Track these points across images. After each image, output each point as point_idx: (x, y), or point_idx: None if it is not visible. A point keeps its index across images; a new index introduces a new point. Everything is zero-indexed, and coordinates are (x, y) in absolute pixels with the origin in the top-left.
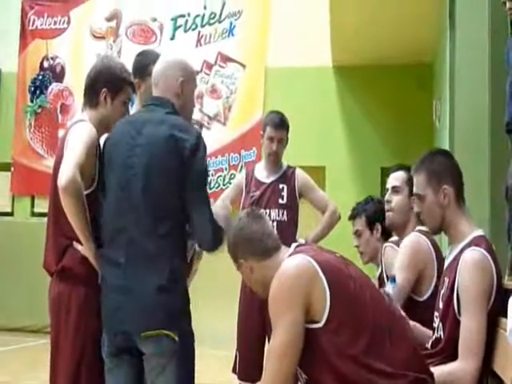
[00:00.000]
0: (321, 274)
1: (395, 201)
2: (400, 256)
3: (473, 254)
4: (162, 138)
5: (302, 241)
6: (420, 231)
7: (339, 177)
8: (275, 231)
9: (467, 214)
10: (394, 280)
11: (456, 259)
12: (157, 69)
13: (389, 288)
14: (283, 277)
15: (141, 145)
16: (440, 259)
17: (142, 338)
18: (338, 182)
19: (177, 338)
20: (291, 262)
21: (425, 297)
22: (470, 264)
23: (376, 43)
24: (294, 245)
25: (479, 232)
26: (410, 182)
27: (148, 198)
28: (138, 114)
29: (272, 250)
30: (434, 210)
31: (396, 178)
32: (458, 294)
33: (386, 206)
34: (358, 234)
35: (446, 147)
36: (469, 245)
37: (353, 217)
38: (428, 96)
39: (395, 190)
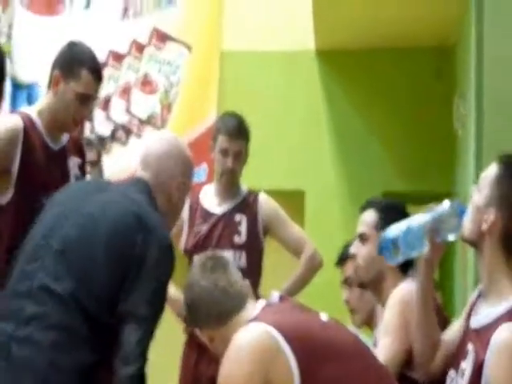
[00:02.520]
0: (286, 349)
1: (361, 254)
2: (387, 317)
3: (510, 335)
4: (119, 211)
5: (275, 295)
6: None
7: (324, 206)
8: (240, 280)
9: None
10: None
11: (489, 329)
12: (152, 152)
13: None
14: (233, 357)
15: (89, 208)
16: (442, 318)
17: None
18: (323, 213)
19: None
20: (244, 337)
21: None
22: (504, 349)
23: (377, 18)
24: (260, 303)
25: None
26: (380, 223)
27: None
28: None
29: (231, 313)
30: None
31: (362, 222)
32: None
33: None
34: (362, 238)
35: (472, 161)
36: (508, 316)
37: (341, 261)
38: (447, 92)
39: (361, 238)
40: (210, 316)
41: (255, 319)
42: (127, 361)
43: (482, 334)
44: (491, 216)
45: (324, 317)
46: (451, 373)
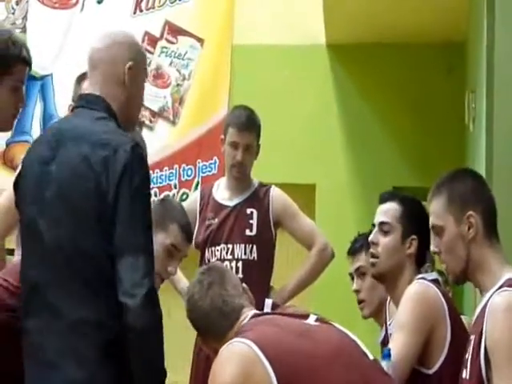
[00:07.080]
0: (266, 363)
1: (383, 243)
2: (400, 312)
3: (504, 297)
4: (76, 164)
5: (268, 302)
6: (425, 279)
7: (334, 199)
8: (236, 284)
9: (501, 253)
10: (388, 355)
11: (483, 310)
12: (98, 46)
13: (383, 365)
14: (217, 368)
15: (52, 175)
16: (455, 317)
17: None
18: (333, 206)
19: None
20: (226, 351)
21: (434, 368)
22: (500, 309)
23: (387, 13)
24: (249, 314)
25: None
26: (404, 218)
27: (62, 248)
28: (58, 123)
29: (226, 330)
30: (457, 246)
31: (385, 212)
32: (485, 352)
33: (371, 249)
34: (384, 228)
35: (483, 159)
36: (500, 288)
37: (354, 251)
38: (458, 87)
39: (383, 228)
40: (209, 334)
41: (240, 333)
42: (130, 292)
43: (479, 317)
44: (471, 218)
45: (312, 319)
46: (461, 372)
